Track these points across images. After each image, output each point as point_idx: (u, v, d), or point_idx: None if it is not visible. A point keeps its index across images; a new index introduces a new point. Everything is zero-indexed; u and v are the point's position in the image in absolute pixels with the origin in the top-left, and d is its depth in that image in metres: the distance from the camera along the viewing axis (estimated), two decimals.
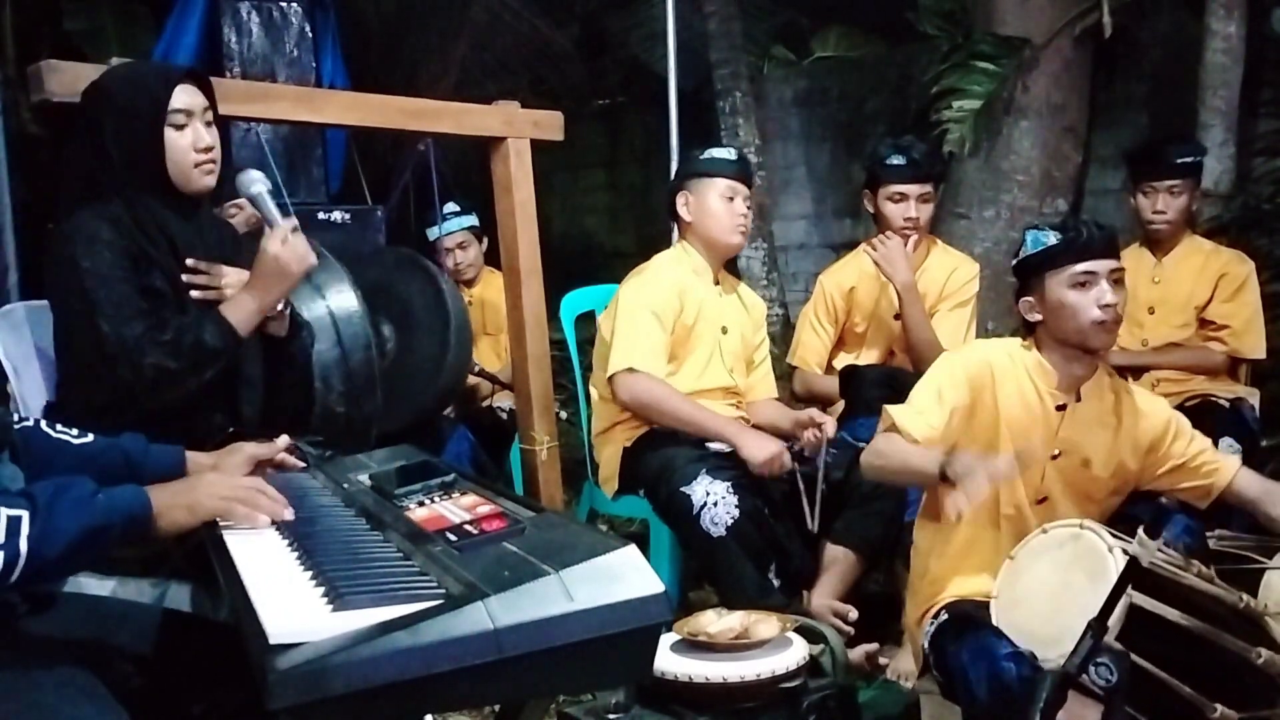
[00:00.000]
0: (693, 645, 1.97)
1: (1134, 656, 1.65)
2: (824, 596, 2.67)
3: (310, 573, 1.23)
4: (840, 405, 3.17)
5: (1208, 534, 2.24)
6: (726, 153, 2.96)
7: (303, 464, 1.82)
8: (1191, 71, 3.97)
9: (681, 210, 2.90)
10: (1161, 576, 1.72)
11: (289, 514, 1.45)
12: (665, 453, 2.67)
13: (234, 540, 1.38)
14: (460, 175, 4.43)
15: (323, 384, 2.63)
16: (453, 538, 1.24)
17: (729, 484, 2.54)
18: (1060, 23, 4.34)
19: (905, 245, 3.13)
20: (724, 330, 2.89)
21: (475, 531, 1.25)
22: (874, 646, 2.58)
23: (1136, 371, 3.13)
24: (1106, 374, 2.15)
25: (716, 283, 2.93)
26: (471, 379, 3.64)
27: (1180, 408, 3.03)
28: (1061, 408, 2.09)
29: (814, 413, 2.79)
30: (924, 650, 2.07)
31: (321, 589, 1.17)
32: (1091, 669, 1.60)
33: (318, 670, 0.99)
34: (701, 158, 2.93)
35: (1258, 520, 2.10)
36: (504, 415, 3.70)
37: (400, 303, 3.24)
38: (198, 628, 1.60)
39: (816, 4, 5.98)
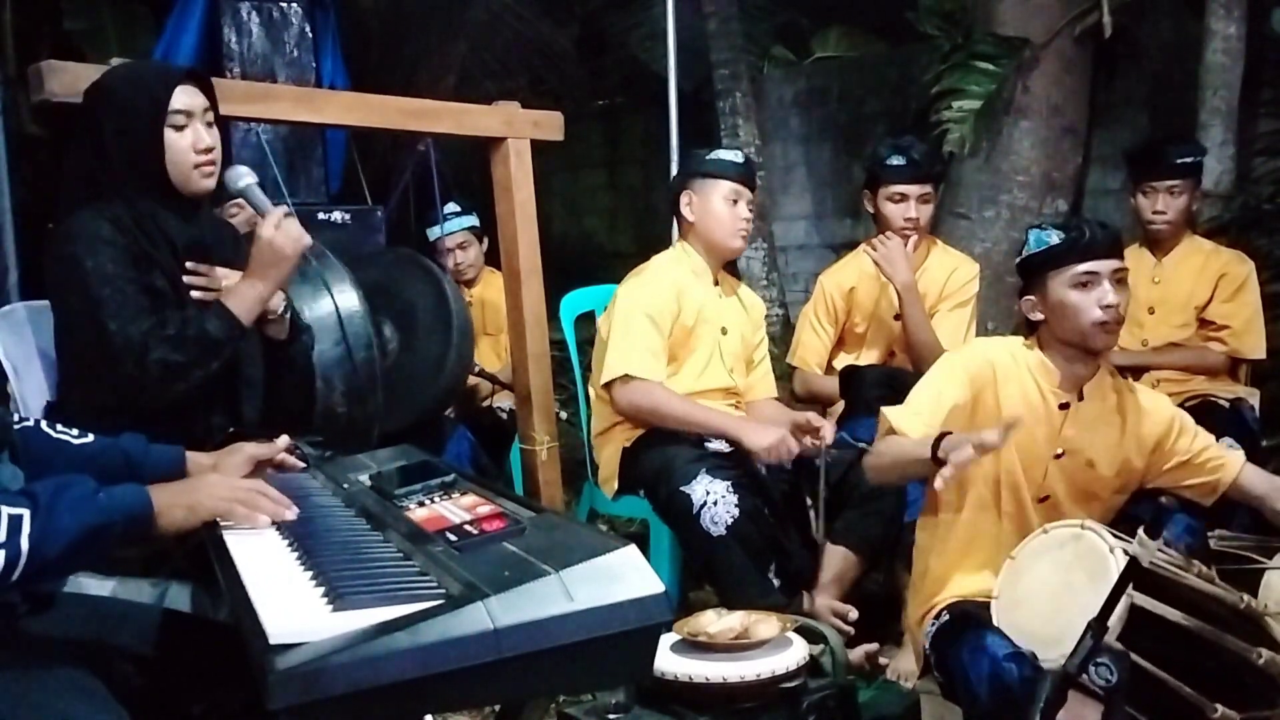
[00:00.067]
0: (693, 645, 1.97)
1: (1134, 656, 1.65)
2: (824, 596, 2.67)
3: (310, 573, 1.23)
4: (840, 405, 3.17)
5: (1208, 534, 2.25)
6: (733, 155, 2.93)
7: (303, 464, 1.82)
8: (1191, 71, 3.97)
9: (685, 210, 2.89)
10: (1162, 576, 1.72)
11: (291, 514, 1.45)
12: (665, 452, 2.67)
13: (234, 540, 1.38)
14: (460, 175, 4.43)
15: (325, 384, 2.64)
16: (453, 538, 1.24)
17: (729, 483, 2.54)
18: (1060, 23, 4.34)
19: (905, 245, 3.13)
20: (723, 331, 2.89)
21: (475, 532, 1.26)
22: (874, 646, 2.58)
23: (1136, 371, 3.13)
24: (1109, 373, 2.15)
25: (716, 283, 2.93)
26: (472, 379, 3.64)
27: (1180, 408, 3.04)
28: (1064, 407, 2.08)
29: (812, 417, 2.79)
30: (925, 650, 2.07)
31: (321, 589, 1.17)
32: (1091, 669, 1.60)
33: (318, 670, 0.99)
34: (708, 158, 2.91)
35: (1263, 516, 2.10)
36: (504, 415, 3.70)
37: (402, 303, 3.24)
38: (198, 628, 1.60)
39: (816, 4, 5.98)
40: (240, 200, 2.68)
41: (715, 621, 2.02)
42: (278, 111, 2.58)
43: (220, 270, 2.03)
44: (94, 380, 1.94)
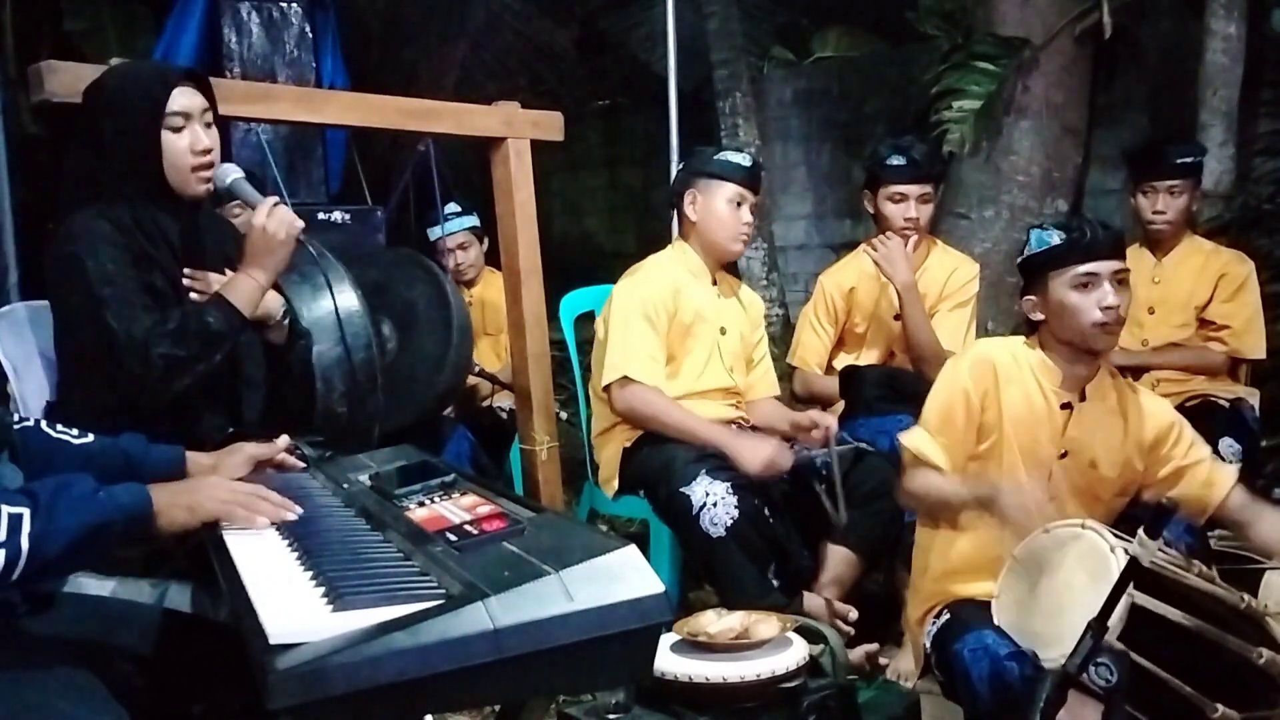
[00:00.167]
0: (693, 645, 1.98)
1: (1135, 656, 1.65)
2: (824, 597, 2.67)
3: (310, 573, 1.23)
4: (840, 405, 3.17)
5: (1208, 534, 2.25)
6: (741, 158, 2.91)
7: (303, 464, 1.82)
8: (1191, 71, 3.97)
9: (687, 209, 2.88)
10: (1163, 576, 1.72)
11: (291, 516, 1.45)
12: (665, 453, 2.67)
13: (234, 540, 1.38)
14: (460, 175, 4.43)
15: (324, 384, 2.63)
16: (453, 538, 1.24)
17: (728, 484, 2.53)
18: (1060, 23, 4.34)
19: (905, 245, 3.12)
20: (722, 331, 2.89)
21: (475, 531, 1.25)
22: (874, 646, 2.58)
23: (1136, 372, 3.13)
24: (1110, 373, 2.15)
25: (714, 283, 2.92)
26: (471, 379, 3.64)
27: (1180, 408, 3.03)
28: (1067, 407, 2.08)
29: (815, 413, 2.79)
30: (925, 650, 2.07)
31: (321, 589, 1.17)
32: (1091, 669, 1.60)
33: (318, 670, 0.99)
34: (715, 158, 2.89)
35: (1245, 541, 2.09)
36: (504, 415, 3.69)
37: (402, 303, 3.24)
38: (198, 628, 1.60)
39: (816, 4, 5.98)
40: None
41: (715, 621, 2.02)
42: (278, 111, 2.58)
43: (213, 275, 2.03)
44: (94, 380, 1.94)
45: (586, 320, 3.25)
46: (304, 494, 1.60)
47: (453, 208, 3.99)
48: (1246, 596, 1.80)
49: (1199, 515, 2.12)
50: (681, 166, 3.09)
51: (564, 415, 3.38)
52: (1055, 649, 1.71)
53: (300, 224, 2.02)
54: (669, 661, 1.92)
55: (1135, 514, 2.15)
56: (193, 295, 2.00)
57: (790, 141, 5.88)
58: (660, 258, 2.95)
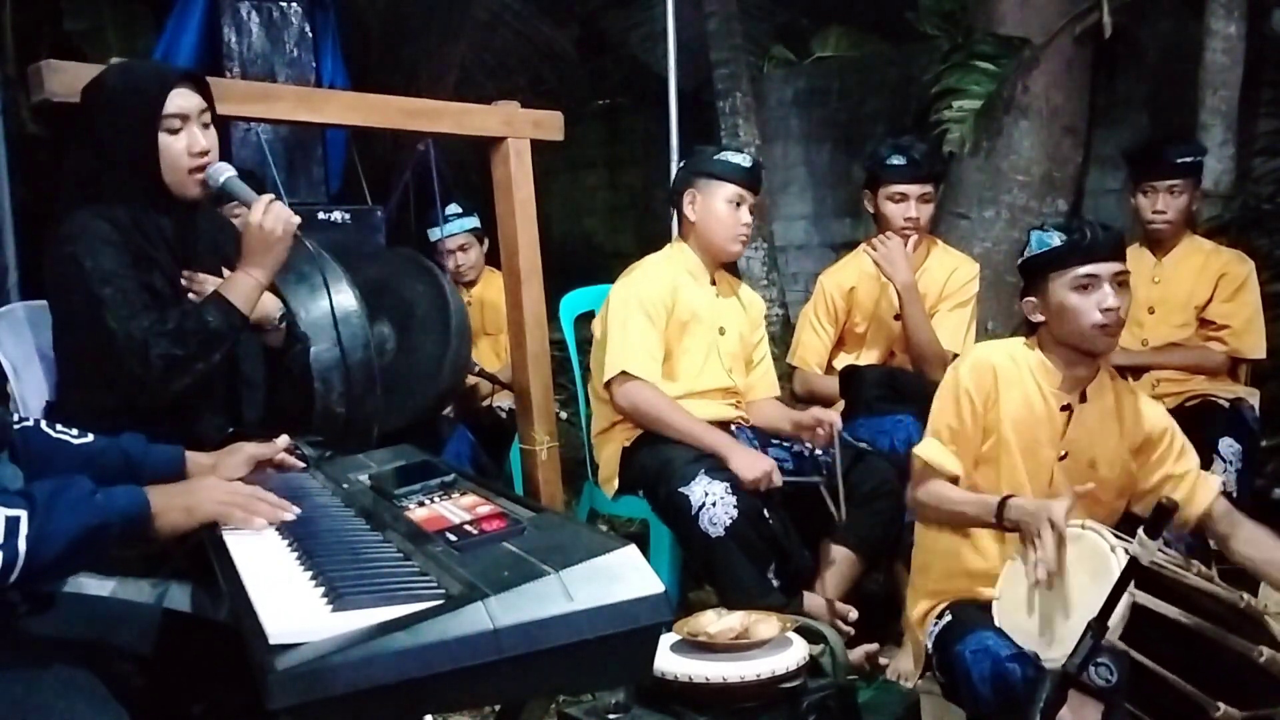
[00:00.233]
0: (693, 645, 1.97)
1: (1137, 655, 1.65)
2: (824, 596, 2.67)
3: (310, 573, 1.23)
4: (840, 405, 3.17)
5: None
6: (741, 158, 2.90)
7: (302, 464, 1.82)
8: (1191, 71, 3.97)
9: (687, 209, 2.88)
10: (1163, 576, 1.72)
11: (290, 516, 1.45)
12: (664, 453, 2.67)
13: (234, 540, 1.38)
14: (460, 175, 4.43)
15: (323, 384, 2.63)
16: (453, 538, 1.24)
17: (727, 484, 2.53)
18: (1060, 23, 4.34)
19: (905, 245, 3.12)
20: (721, 331, 2.88)
21: (475, 531, 1.25)
22: (874, 646, 2.58)
23: (1136, 372, 3.13)
24: (1109, 375, 2.15)
25: (713, 283, 2.92)
26: (471, 379, 3.64)
27: (1180, 408, 3.05)
28: (1066, 409, 2.08)
29: (818, 411, 2.78)
30: (926, 650, 2.07)
31: (321, 589, 1.16)
32: (1092, 669, 1.60)
33: (318, 670, 0.99)
34: (715, 158, 2.88)
35: (1227, 554, 2.08)
36: (504, 415, 3.69)
37: (401, 302, 3.24)
38: (198, 628, 1.60)
39: (816, 4, 5.98)
40: None
41: (715, 621, 2.02)
42: (278, 111, 2.58)
43: (209, 277, 2.03)
44: (94, 380, 1.93)
45: (586, 320, 3.25)
46: (303, 494, 1.60)
47: (453, 209, 3.98)
48: (1246, 596, 1.81)
49: (1180, 526, 2.11)
50: (681, 166, 3.09)
51: (564, 415, 3.38)
52: (1056, 649, 1.71)
53: (296, 220, 2.01)
54: (669, 661, 1.92)
55: (1136, 514, 2.15)
56: (190, 296, 2.00)
57: (790, 141, 5.88)
58: (658, 257, 2.94)
